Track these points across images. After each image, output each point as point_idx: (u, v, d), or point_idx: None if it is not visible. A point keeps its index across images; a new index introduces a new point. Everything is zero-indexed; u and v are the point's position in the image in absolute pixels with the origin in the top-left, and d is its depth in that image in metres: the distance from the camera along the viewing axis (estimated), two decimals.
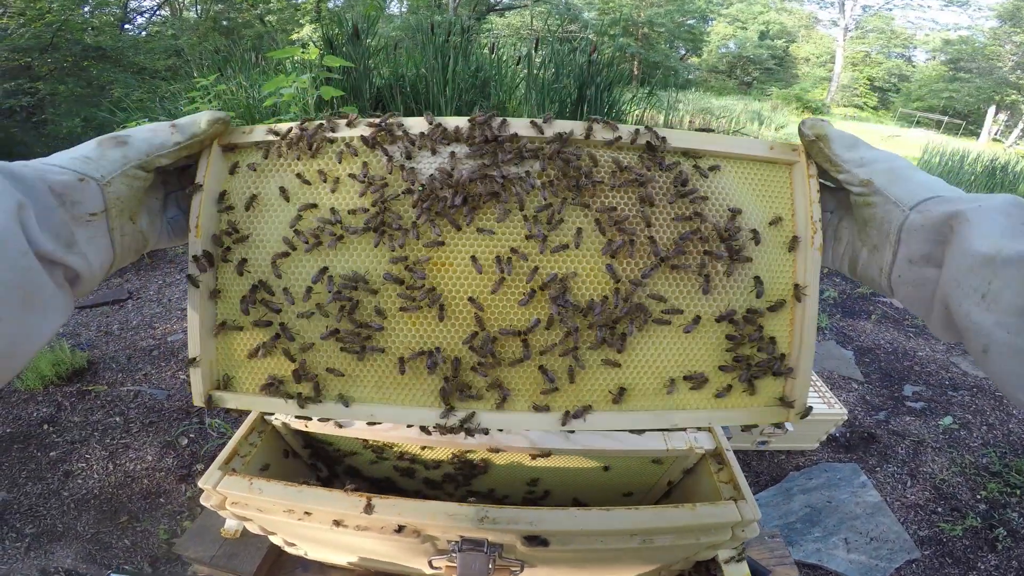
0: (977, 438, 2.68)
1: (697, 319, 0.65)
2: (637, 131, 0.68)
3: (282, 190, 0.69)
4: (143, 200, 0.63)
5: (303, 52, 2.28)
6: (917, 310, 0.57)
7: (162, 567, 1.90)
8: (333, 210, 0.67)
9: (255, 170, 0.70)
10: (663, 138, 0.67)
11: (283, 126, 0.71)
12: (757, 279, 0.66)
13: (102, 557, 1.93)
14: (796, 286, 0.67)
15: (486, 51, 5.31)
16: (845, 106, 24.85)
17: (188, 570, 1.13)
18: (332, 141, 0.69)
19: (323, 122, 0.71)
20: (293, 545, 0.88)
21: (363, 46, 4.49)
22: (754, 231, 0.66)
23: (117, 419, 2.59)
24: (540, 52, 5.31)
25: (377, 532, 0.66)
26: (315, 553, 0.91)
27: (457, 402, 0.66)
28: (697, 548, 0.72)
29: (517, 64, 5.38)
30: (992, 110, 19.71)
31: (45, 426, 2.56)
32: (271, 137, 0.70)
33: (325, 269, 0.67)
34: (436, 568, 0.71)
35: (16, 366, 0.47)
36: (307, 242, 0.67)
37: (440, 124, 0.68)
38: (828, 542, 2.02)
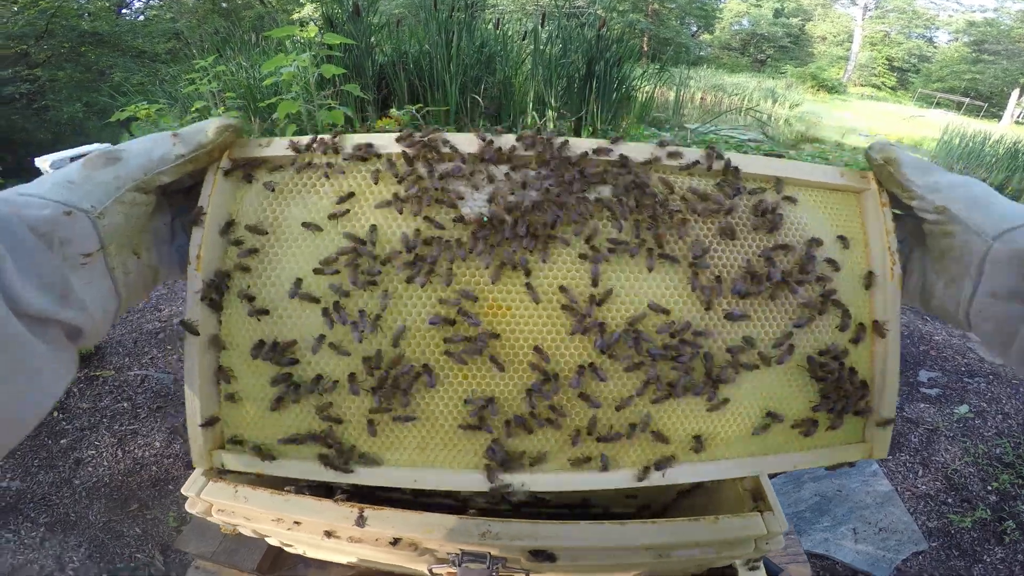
0: (992, 427, 2.63)
1: (791, 348, 0.60)
2: (710, 155, 0.62)
3: (307, 225, 0.60)
4: (146, 228, 0.54)
5: (301, 31, 2.22)
6: (994, 345, 0.53)
7: (172, 555, 1.92)
8: (372, 235, 0.59)
9: (273, 190, 0.61)
10: (735, 167, 0.62)
11: (306, 139, 0.62)
12: (845, 312, 0.61)
13: (114, 546, 1.95)
14: (875, 323, 0.62)
15: (491, 27, 5.18)
16: (862, 85, 24.21)
17: (192, 564, 1.13)
18: (366, 159, 0.62)
19: (367, 143, 0.62)
20: (290, 546, 0.86)
21: (364, 23, 4.38)
22: (831, 260, 0.62)
23: (125, 404, 2.61)
24: (547, 27, 5.17)
25: (371, 544, 0.63)
26: (313, 554, 0.89)
27: (515, 463, 0.59)
28: (715, 559, 0.69)
29: (523, 39, 5.25)
30: (1016, 93, 19.11)
31: (55, 413, 2.59)
32: (292, 152, 0.61)
33: (363, 312, 0.58)
34: (436, 574, 0.69)
35: (18, 434, 0.41)
36: (352, 285, 0.58)
37: (492, 141, 0.61)
38: (837, 532, 2.00)
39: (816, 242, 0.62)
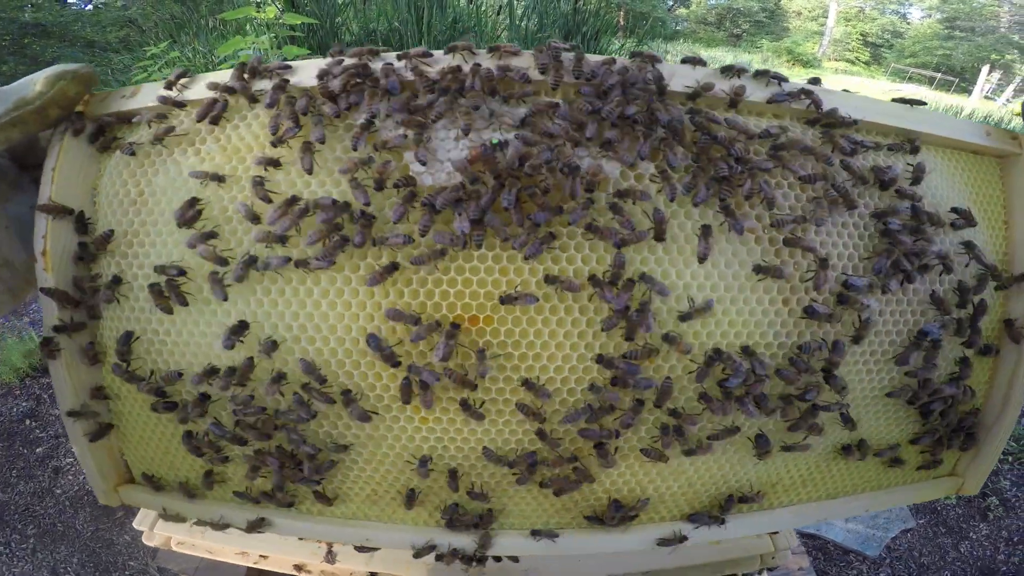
0: None
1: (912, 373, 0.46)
2: (809, 93, 0.44)
3: (209, 176, 0.44)
4: None
5: (258, 11, 2.09)
6: None
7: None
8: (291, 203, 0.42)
9: (134, 155, 0.44)
10: (853, 120, 0.45)
11: (188, 85, 0.46)
12: (976, 327, 0.47)
13: (106, 555, 1.91)
14: (1008, 323, 0.47)
15: (463, 1, 5.01)
16: (836, 60, 24.42)
17: None
18: (272, 98, 0.44)
19: (253, 66, 0.45)
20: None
21: (329, 1, 4.19)
22: (969, 244, 0.47)
23: None
24: (522, 1, 5.03)
25: None
26: None
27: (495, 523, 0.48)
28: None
29: (498, 14, 5.10)
30: (986, 69, 19.48)
31: (27, 421, 2.49)
32: (164, 104, 0.44)
33: (243, 325, 0.43)
34: None
35: None
36: (239, 277, 0.43)
37: (458, 67, 0.43)
38: None
39: (962, 219, 0.47)
